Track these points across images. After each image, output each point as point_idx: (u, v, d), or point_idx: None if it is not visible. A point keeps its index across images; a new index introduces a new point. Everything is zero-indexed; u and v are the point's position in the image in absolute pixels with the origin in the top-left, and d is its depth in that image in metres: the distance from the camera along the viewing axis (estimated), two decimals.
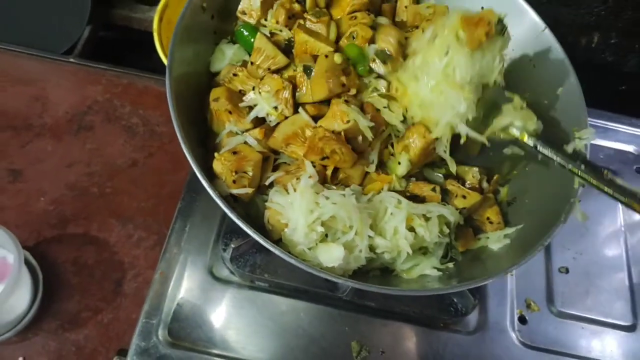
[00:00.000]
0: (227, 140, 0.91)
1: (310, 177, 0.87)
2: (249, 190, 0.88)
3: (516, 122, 0.93)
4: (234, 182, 0.86)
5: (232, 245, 0.98)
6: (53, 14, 1.47)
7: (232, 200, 0.86)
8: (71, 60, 1.41)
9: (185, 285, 1.03)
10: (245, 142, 0.92)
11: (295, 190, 0.87)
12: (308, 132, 0.91)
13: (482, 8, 1.09)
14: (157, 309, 1.00)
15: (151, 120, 1.35)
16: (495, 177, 1.06)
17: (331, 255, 0.84)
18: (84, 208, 1.21)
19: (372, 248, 0.91)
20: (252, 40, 0.99)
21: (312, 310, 1.04)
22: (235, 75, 0.97)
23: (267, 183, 0.91)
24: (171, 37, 1.39)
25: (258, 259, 1.02)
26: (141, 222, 1.21)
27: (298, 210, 0.84)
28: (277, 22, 0.99)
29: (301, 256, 0.85)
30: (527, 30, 1.08)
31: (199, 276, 1.04)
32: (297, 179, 0.88)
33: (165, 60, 1.35)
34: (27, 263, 1.08)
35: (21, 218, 1.18)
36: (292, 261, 0.79)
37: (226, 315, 1.02)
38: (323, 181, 0.91)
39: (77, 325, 1.09)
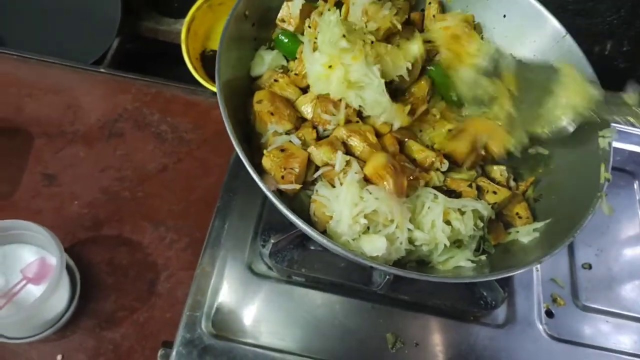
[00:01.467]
0: (273, 139, 0.95)
1: (356, 172, 0.91)
2: (297, 186, 0.91)
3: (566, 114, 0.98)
4: (282, 177, 0.90)
5: (272, 241, 1.01)
6: (84, 26, 1.53)
7: (278, 195, 0.90)
8: (101, 70, 1.46)
9: (226, 280, 1.06)
10: (290, 142, 0.96)
11: (341, 184, 0.90)
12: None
13: (504, 16, 1.16)
14: (200, 302, 1.03)
15: (179, 128, 1.38)
16: (531, 179, 1.10)
17: (374, 246, 0.88)
18: (117, 211, 1.25)
19: (411, 240, 0.94)
20: (291, 46, 1.05)
21: (347, 304, 1.06)
22: (276, 80, 1.01)
23: (315, 176, 0.95)
24: (197, 48, 1.47)
25: (295, 255, 1.05)
26: (172, 225, 1.24)
27: (343, 202, 0.88)
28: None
29: (345, 246, 0.88)
30: (549, 36, 1.13)
31: (239, 272, 1.07)
32: (344, 173, 0.92)
33: (192, 70, 1.40)
34: (66, 264, 1.11)
35: (56, 220, 1.21)
36: (339, 249, 0.82)
37: (265, 308, 1.05)
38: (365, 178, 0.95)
39: (114, 324, 1.11)
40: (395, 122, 1.01)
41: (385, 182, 0.91)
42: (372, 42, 0.98)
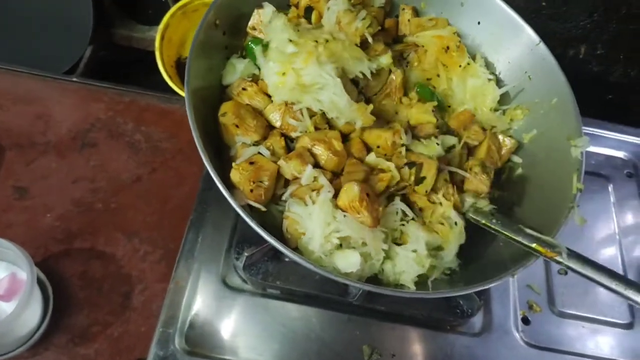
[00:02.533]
0: (242, 151, 0.94)
1: (329, 191, 0.90)
2: (262, 208, 0.90)
3: None
4: (251, 191, 0.88)
5: (246, 254, 1.00)
6: (55, 35, 1.50)
7: (249, 210, 0.89)
8: (73, 79, 1.43)
9: (199, 294, 1.05)
10: (259, 153, 0.95)
11: (313, 202, 0.89)
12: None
13: (479, 23, 1.16)
14: (174, 317, 1.02)
15: (154, 137, 1.37)
16: None
17: (348, 261, 0.87)
18: (90, 223, 1.22)
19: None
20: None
21: (323, 316, 1.06)
22: (244, 89, 1.00)
23: (285, 195, 0.93)
24: (171, 55, 1.46)
25: (270, 267, 1.04)
26: (147, 237, 1.22)
27: (316, 221, 0.87)
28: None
29: (318, 262, 0.88)
30: (523, 44, 1.13)
31: (213, 285, 1.06)
32: (314, 191, 0.91)
33: (166, 77, 1.38)
34: (37, 278, 1.08)
35: (28, 234, 1.19)
36: (311, 267, 0.81)
37: (240, 322, 1.04)
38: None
39: (87, 339, 1.09)
40: (357, 122, 0.99)
41: (360, 217, 0.90)
42: (327, 40, 0.97)
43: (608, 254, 1.27)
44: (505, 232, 0.95)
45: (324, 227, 0.87)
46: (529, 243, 0.91)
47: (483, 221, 1.00)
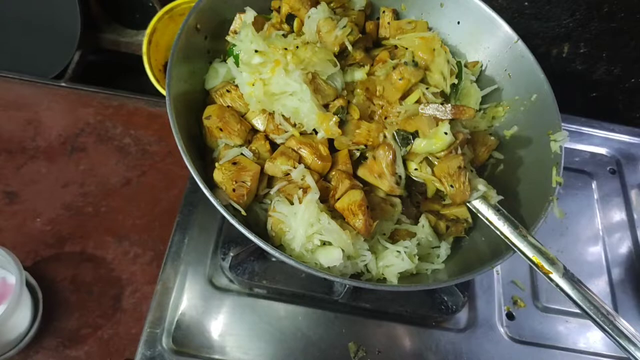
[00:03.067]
0: (224, 153, 0.95)
1: (315, 193, 0.92)
2: (242, 211, 0.91)
3: None
4: (234, 190, 0.89)
5: (231, 254, 1.01)
6: (43, 40, 1.51)
7: (232, 209, 0.90)
8: (62, 84, 1.45)
9: (186, 295, 1.06)
10: (242, 154, 0.96)
11: (300, 202, 0.91)
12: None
13: (459, 23, 1.17)
14: (161, 318, 1.03)
15: (143, 140, 1.38)
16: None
17: (330, 257, 0.88)
18: (80, 227, 1.24)
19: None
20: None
21: (309, 314, 1.07)
22: (228, 91, 1.01)
23: (272, 191, 0.95)
24: (159, 59, 1.47)
25: (256, 267, 1.05)
26: (137, 239, 1.24)
27: (300, 220, 0.89)
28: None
29: (300, 258, 0.89)
30: (501, 42, 1.14)
31: (200, 286, 1.07)
32: (301, 189, 0.92)
33: (154, 81, 1.39)
34: (27, 283, 1.09)
35: (18, 239, 1.20)
36: (292, 263, 0.83)
37: (227, 322, 1.05)
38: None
39: (78, 342, 1.10)
40: (320, 131, 0.99)
41: (355, 220, 0.91)
42: (297, 46, 0.98)
43: (592, 250, 1.28)
44: (505, 234, 0.94)
45: (307, 227, 0.89)
46: (529, 254, 0.91)
47: (485, 214, 0.98)
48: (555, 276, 0.89)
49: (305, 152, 0.96)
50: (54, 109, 1.41)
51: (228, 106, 1.00)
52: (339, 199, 0.94)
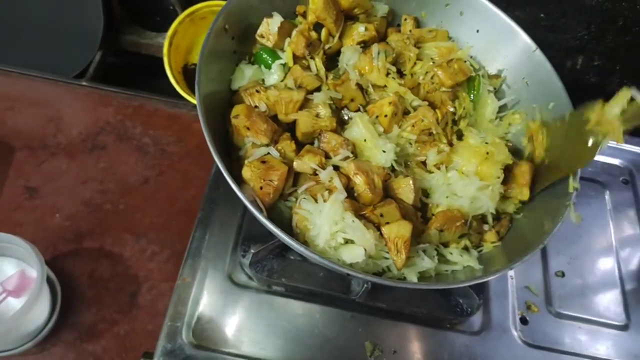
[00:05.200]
0: (252, 151, 0.97)
1: (342, 194, 0.93)
2: (272, 201, 0.94)
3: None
4: (261, 188, 0.91)
5: (252, 251, 1.03)
6: (66, 40, 1.54)
7: (257, 206, 0.92)
8: (83, 83, 1.47)
9: (206, 290, 1.08)
10: (269, 154, 0.98)
11: (325, 200, 0.92)
12: None
13: (478, 31, 1.20)
14: (181, 312, 1.04)
15: (161, 140, 1.40)
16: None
17: (353, 253, 0.90)
18: (99, 223, 1.25)
19: None
20: (271, 62, 1.09)
21: (326, 312, 1.08)
22: (257, 91, 1.03)
23: (299, 191, 0.96)
24: (179, 61, 1.49)
25: (275, 264, 1.07)
26: (154, 237, 1.25)
27: (325, 218, 0.90)
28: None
29: (323, 254, 0.90)
30: (520, 51, 1.17)
31: (219, 282, 1.09)
32: (327, 190, 0.94)
33: (174, 82, 1.41)
34: (46, 276, 1.11)
35: (38, 233, 1.21)
36: (316, 258, 0.84)
37: (245, 318, 1.06)
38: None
39: (94, 336, 1.12)
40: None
41: (396, 257, 0.93)
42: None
43: (605, 259, 1.29)
44: None
45: (332, 225, 0.90)
46: None
47: None
48: None
49: (359, 180, 0.97)
50: (75, 107, 1.43)
51: (255, 106, 1.02)
52: (387, 223, 0.95)
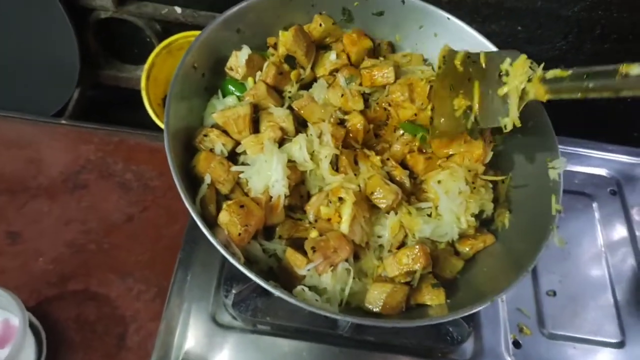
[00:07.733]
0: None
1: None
2: (245, 243, 0.93)
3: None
4: (239, 234, 0.90)
5: (234, 291, 1.01)
6: (42, 78, 1.53)
7: (232, 250, 0.90)
8: (62, 122, 1.46)
9: (190, 333, 1.06)
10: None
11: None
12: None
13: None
14: (165, 357, 1.03)
15: (144, 175, 1.39)
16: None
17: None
18: (83, 265, 1.24)
19: None
20: (238, 95, 1.08)
21: (314, 350, 1.07)
22: (205, 136, 1.03)
23: (307, 269, 0.94)
24: (158, 94, 1.48)
25: (259, 303, 1.05)
26: (140, 276, 1.23)
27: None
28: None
29: (300, 295, 0.89)
30: None
31: (203, 324, 1.07)
32: (332, 266, 0.94)
33: (153, 116, 1.41)
34: (30, 324, 1.09)
35: (21, 279, 1.20)
36: (293, 301, 0.83)
37: (231, 359, 1.05)
38: None
39: None
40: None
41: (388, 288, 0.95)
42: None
43: (596, 272, 1.27)
44: None
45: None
46: None
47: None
48: None
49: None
50: (55, 146, 1.42)
51: (211, 149, 1.02)
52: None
